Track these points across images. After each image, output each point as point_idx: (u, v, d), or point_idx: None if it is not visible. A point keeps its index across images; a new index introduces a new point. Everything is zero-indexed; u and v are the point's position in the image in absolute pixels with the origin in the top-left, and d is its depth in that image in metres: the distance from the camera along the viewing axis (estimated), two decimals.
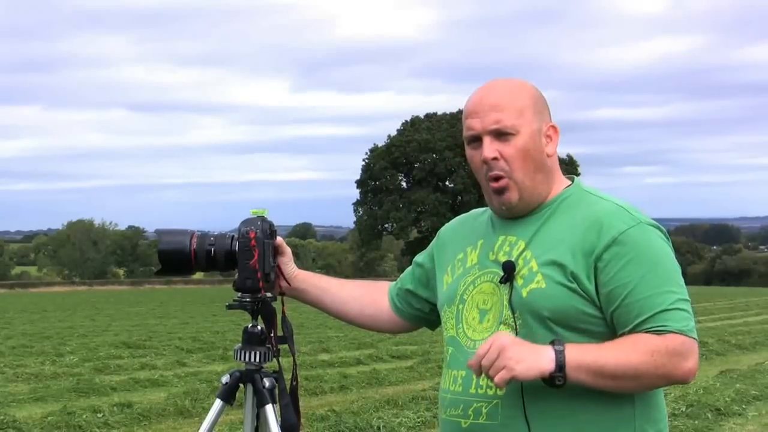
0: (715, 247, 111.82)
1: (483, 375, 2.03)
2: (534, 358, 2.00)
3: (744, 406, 9.93)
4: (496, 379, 1.99)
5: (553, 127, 2.24)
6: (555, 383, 2.00)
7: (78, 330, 23.28)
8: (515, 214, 2.23)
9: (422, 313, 2.52)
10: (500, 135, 2.16)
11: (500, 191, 2.19)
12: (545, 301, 2.10)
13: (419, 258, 2.54)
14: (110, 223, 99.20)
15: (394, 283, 2.61)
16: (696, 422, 8.78)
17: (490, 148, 2.17)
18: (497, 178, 2.18)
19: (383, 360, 15.22)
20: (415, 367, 13.80)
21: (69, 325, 25.82)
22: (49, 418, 8.99)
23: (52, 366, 14.03)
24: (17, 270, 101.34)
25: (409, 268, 2.56)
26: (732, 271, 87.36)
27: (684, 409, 9.34)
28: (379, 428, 8.44)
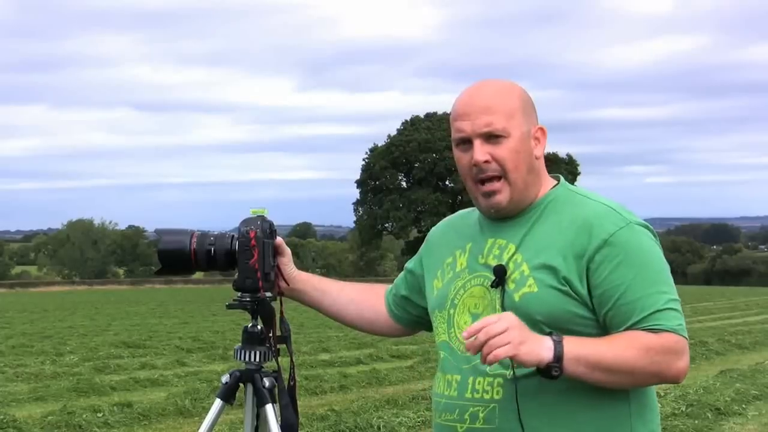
0: (715, 247, 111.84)
1: (475, 347, 1.95)
2: (536, 345, 1.98)
3: (744, 406, 9.92)
4: (494, 353, 1.94)
5: (541, 129, 2.23)
6: (551, 374, 1.98)
7: (78, 330, 23.28)
8: (503, 216, 2.22)
9: (420, 318, 2.51)
10: (491, 138, 2.15)
11: (490, 194, 2.18)
12: (538, 306, 2.10)
13: (410, 264, 2.53)
14: (110, 223, 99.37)
15: (389, 288, 2.59)
16: (696, 422, 8.78)
17: (481, 150, 2.15)
18: (490, 180, 2.17)
19: (383, 360, 15.22)
20: (415, 366, 13.80)
21: (69, 324, 25.81)
22: (49, 417, 8.99)
23: (52, 366, 14.04)
24: (17, 269, 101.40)
25: (402, 274, 2.55)
26: (732, 270, 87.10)
27: (684, 409, 9.33)
28: (379, 428, 8.43)
